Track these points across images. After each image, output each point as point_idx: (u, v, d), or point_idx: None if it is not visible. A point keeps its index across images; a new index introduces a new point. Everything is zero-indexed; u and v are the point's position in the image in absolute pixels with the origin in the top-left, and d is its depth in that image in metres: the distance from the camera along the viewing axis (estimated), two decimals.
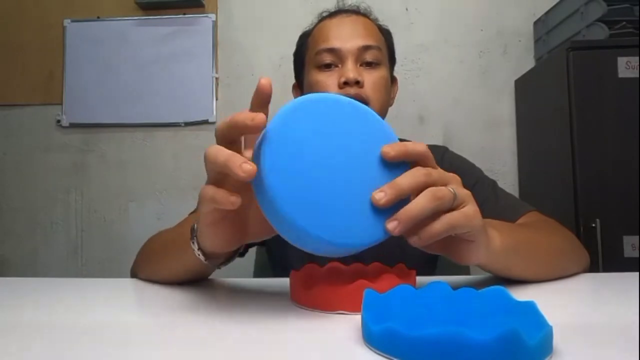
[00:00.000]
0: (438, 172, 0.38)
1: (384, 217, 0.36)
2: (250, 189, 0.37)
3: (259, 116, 0.35)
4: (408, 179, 0.37)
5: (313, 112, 0.38)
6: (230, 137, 0.37)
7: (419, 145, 0.39)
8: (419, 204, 0.36)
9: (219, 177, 0.37)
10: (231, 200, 0.35)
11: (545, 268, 0.52)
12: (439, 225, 0.37)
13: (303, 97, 0.39)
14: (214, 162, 0.35)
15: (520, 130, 1.72)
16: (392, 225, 0.36)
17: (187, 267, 0.50)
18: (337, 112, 0.39)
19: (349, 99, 0.41)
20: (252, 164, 0.34)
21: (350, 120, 0.39)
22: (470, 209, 0.38)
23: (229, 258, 0.48)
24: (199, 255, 0.44)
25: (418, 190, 0.37)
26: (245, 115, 0.35)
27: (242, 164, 0.33)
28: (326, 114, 0.38)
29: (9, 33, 1.92)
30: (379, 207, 0.36)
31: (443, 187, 0.37)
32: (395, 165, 0.38)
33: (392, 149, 0.37)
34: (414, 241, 0.37)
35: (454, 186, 0.38)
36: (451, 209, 0.38)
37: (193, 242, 0.45)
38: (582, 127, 1.29)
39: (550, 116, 1.45)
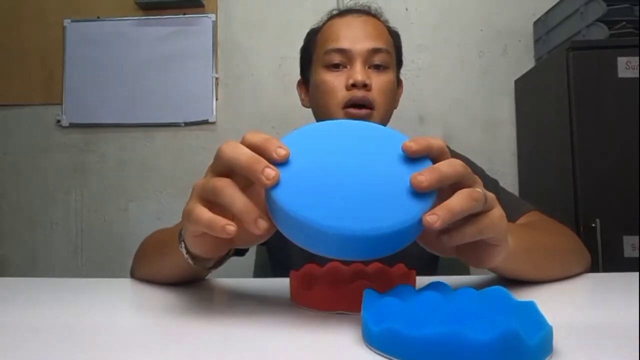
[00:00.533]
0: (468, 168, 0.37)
1: (405, 205, 0.33)
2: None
3: (286, 152, 0.34)
4: (447, 166, 0.35)
5: (319, 132, 0.38)
6: (255, 150, 0.35)
7: (438, 140, 0.37)
8: (459, 202, 0.34)
9: (223, 174, 0.36)
10: (227, 231, 0.33)
11: (551, 269, 0.52)
12: (471, 228, 0.35)
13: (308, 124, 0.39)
14: (234, 160, 0.34)
15: (520, 130, 1.72)
16: (432, 218, 0.32)
17: (179, 269, 0.49)
18: (345, 130, 0.38)
19: (356, 121, 0.40)
20: (276, 169, 0.33)
21: (361, 133, 0.38)
22: (497, 213, 0.37)
23: (220, 261, 0.48)
24: (187, 259, 0.44)
25: (456, 179, 0.35)
26: (277, 145, 0.34)
27: (265, 169, 0.32)
28: (334, 131, 0.38)
29: (9, 33, 1.92)
30: (400, 197, 0.33)
31: (477, 190, 0.36)
32: (414, 162, 0.36)
33: (415, 143, 0.35)
34: (445, 240, 0.36)
35: (482, 188, 0.37)
36: (480, 212, 0.36)
37: (181, 247, 0.44)
38: (582, 127, 1.29)
39: (550, 116, 1.45)
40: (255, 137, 0.35)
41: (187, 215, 0.36)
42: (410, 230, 0.33)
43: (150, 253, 0.58)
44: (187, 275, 0.52)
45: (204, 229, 0.35)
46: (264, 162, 0.33)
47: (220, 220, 0.34)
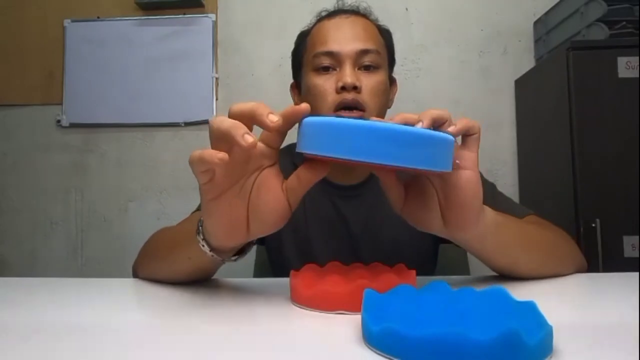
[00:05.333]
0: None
1: None
2: (241, 173, 0.40)
3: (277, 121, 0.37)
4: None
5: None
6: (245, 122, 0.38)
7: (436, 111, 0.42)
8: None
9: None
10: (219, 157, 0.35)
11: (537, 260, 0.52)
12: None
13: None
14: (217, 129, 0.37)
15: (520, 130, 1.72)
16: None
17: (192, 263, 0.50)
18: None
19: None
20: (253, 135, 0.35)
21: None
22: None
23: (236, 253, 0.48)
24: (203, 246, 0.44)
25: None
26: (268, 112, 0.37)
27: (244, 134, 0.35)
28: None
29: (9, 33, 1.92)
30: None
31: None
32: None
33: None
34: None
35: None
36: None
37: (199, 234, 0.45)
38: (582, 127, 1.29)
39: (550, 116, 1.45)
40: (244, 105, 0.38)
41: (190, 159, 0.38)
42: (437, 141, 0.37)
43: (162, 248, 0.58)
44: (198, 272, 0.52)
45: (225, 137, 0.36)
46: (244, 128, 0.36)
47: (240, 126, 0.36)
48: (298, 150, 0.38)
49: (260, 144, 0.40)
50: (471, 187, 0.42)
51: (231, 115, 0.38)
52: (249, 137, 0.35)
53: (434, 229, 0.45)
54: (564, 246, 0.59)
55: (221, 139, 0.37)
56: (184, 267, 0.52)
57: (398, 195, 0.45)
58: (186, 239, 0.49)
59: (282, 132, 0.40)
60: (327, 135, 0.36)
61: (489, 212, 0.47)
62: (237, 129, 0.35)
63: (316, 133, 0.36)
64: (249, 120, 0.37)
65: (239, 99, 1.99)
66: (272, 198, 0.40)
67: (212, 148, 0.38)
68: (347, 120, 0.35)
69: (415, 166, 0.36)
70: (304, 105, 0.38)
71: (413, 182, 0.46)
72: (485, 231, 0.46)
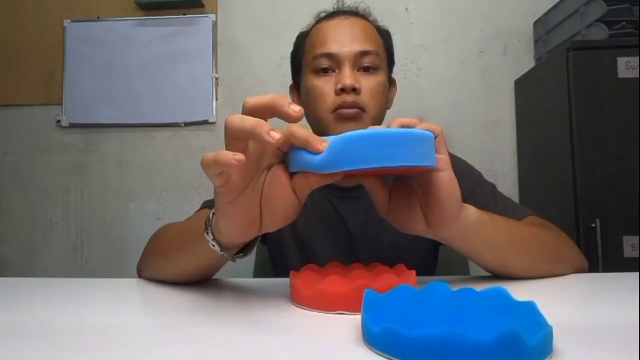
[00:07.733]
0: None
1: None
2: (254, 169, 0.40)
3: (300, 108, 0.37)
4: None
5: None
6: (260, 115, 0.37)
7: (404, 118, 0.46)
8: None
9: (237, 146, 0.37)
10: (237, 158, 0.34)
11: (527, 258, 0.52)
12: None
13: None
14: (240, 127, 0.35)
15: (520, 130, 1.72)
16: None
17: (198, 261, 0.49)
18: None
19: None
20: (278, 131, 0.35)
21: None
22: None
23: (243, 249, 0.48)
24: (213, 245, 0.44)
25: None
26: (289, 102, 0.37)
27: (269, 131, 0.34)
28: None
29: (9, 33, 1.92)
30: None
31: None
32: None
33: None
34: None
35: None
36: None
37: (207, 233, 0.44)
38: (582, 127, 1.29)
39: (550, 116, 1.45)
40: (260, 99, 0.37)
41: (204, 161, 0.36)
42: (424, 139, 0.39)
43: (165, 249, 0.57)
44: (204, 269, 0.51)
45: (248, 136, 0.36)
46: (268, 125, 0.35)
47: (264, 124, 0.35)
48: (306, 169, 0.38)
49: None
50: (447, 186, 0.43)
51: (246, 110, 0.37)
52: (275, 134, 0.35)
53: (418, 230, 0.46)
54: (560, 246, 0.59)
55: (241, 138, 0.36)
56: (189, 265, 0.51)
57: (384, 200, 0.46)
58: (193, 237, 0.48)
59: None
60: (346, 150, 0.36)
61: (471, 209, 0.47)
62: (262, 126, 0.35)
63: (334, 151, 0.36)
64: (268, 113, 0.37)
65: (239, 99, 1.99)
66: (283, 193, 0.40)
67: (227, 147, 0.37)
68: (360, 132, 0.36)
69: (414, 164, 0.37)
70: (323, 146, 0.38)
71: (396, 187, 0.47)
72: (467, 228, 0.46)
